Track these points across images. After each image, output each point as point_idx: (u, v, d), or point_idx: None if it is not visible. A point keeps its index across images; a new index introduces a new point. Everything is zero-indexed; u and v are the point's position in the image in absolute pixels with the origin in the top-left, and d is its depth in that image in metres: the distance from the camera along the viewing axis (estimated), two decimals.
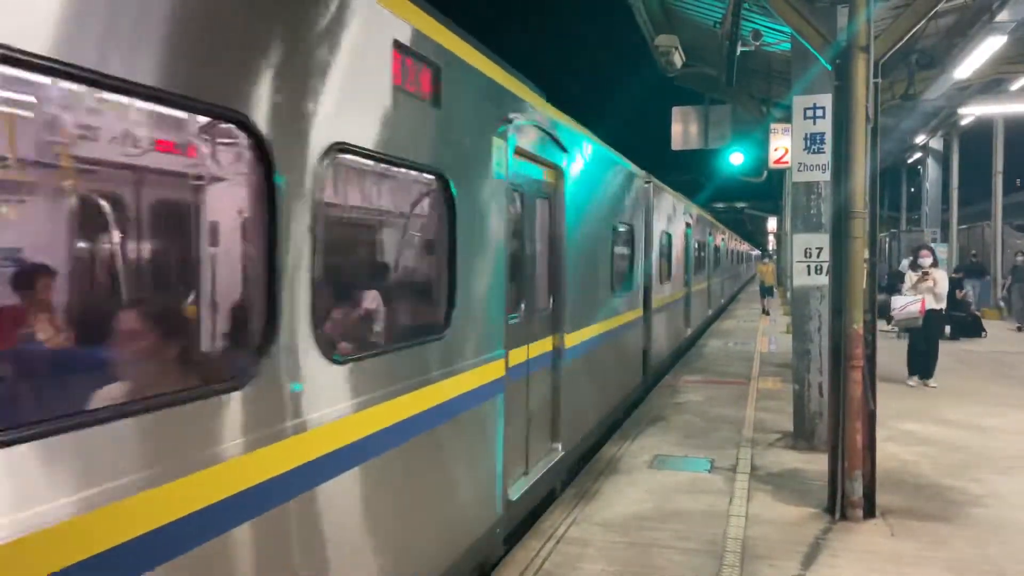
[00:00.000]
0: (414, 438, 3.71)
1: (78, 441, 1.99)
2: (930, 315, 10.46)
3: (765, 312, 24.60)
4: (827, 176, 6.70)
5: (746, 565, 4.84)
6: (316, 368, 2.93)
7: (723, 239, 26.94)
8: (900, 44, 5.84)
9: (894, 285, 18.63)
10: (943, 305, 10.77)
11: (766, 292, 25.72)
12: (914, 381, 10.85)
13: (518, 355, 5.29)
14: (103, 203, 2.41)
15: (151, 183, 2.55)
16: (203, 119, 2.54)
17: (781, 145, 13.77)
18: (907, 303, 10.40)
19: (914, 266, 10.74)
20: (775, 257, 33.36)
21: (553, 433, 6.23)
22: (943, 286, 10.52)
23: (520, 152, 5.25)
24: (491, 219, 4.65)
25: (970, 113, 18.03)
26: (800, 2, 6.11)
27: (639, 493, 6.27)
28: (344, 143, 3.11)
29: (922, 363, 10.85)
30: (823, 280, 6.87)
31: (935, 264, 10.72)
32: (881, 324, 6.65)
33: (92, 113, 2.24)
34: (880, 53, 5.70)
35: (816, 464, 6.83)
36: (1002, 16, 10.52)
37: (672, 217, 13.18)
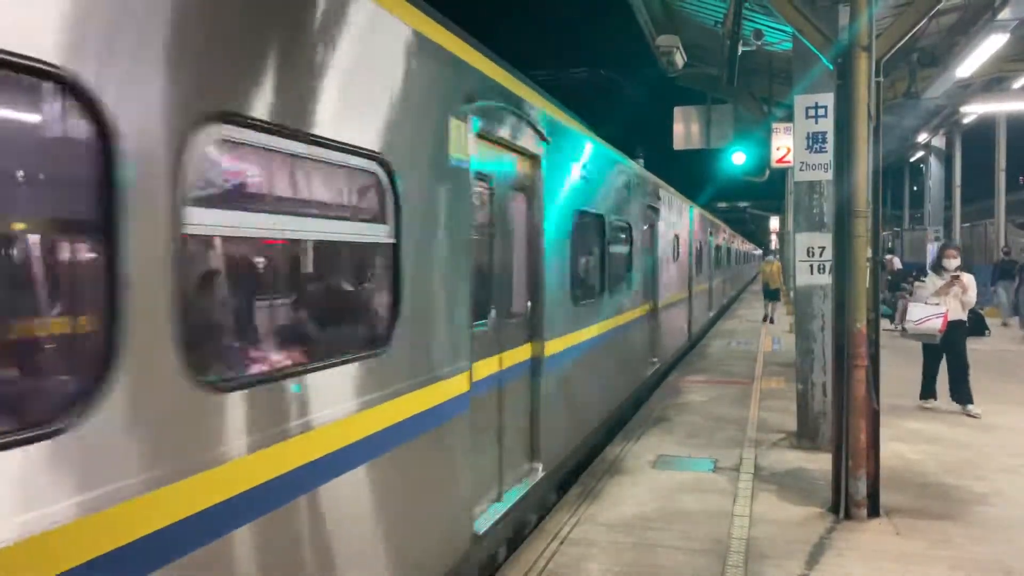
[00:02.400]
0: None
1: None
2: (954, 327, 8.84)
3: (769, 319, 21.49)
4: (829, 175, 6.69)
5: (750, 565, 4.84)
6: None
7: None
8: (902, 43, 5.84)
9: (898, 284, 18.61)
10: (965, 314, 9.21)
11: (771, 296, 22.08)
12: (930, 404, 9.40)
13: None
14: None
15: None
16: None
17: (783, 144, 13.76)
18: (926, 316, 8.72)
19: (937, 269, 9.22)
20: (779, 256, 32.08)
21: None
22: (973, 293, 9.01)
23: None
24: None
25: (972, 111, 18.01)
26: (801, 1, 6.11)
27: (643, 493, 6.27)
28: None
29: (930, 381, 9.44)
30: (826, 279, 6.87)
31: (962, 266, 9.17)
32: (884, 323, 6.63)
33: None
34: (882, 52, 5.70)
35: (820, 463, 6.82)
36: (1004, 14, 10.52)
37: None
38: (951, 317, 8.74)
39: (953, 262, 9.06)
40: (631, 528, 5.49)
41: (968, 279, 9.05)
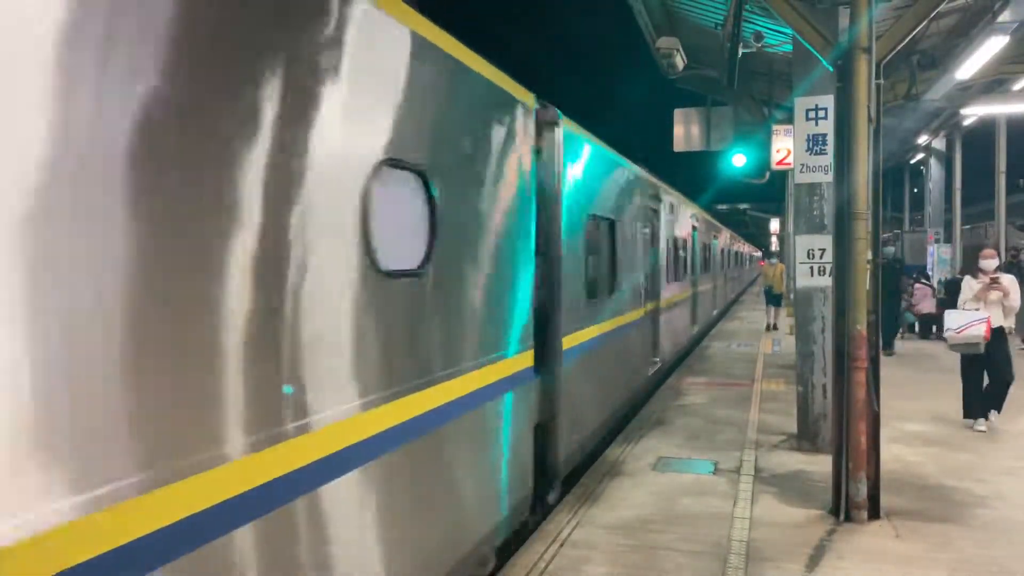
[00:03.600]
0: None
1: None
2: (996, 335, 8.03)
3: (772, 327, 20.19)
4: (829, 177, 6.70)
5: (750, 567, 4.83)
6: None
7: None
8: (902, 45, 5.84)
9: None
10: (1012, 322, 8.35)
11: (773, 301, 20.49)
12: (983, 425, 8.38)
13: None
14: None
15: None
16: None
17: (783, 146, 13.76)
18: (968, 323, 7.91)
19: (973, 271, 8.38)
20: (781, 257, 31.36)
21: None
22: (1016, 296, 8.13)
23: None
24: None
25: (972, 113, 17.99)
26: (801, 3, 6.11)
27: (643, 495, 6.26)
28: None
29: (981, 396, 8.47)
30: (826, 281, 6.87)
31: (1001, 267, 8.30)
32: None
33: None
34: (882, 54, 5.70)
35: (820, 466, 6.82)
36: (1004, 16, 10.51)
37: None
38: (993, 324, 7.98)
39: (991, 263, 8.26)
40: (631, 530, 5.48)
41: (1009, 281, 8.26)
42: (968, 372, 8.50)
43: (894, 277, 15.38)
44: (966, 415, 8.57)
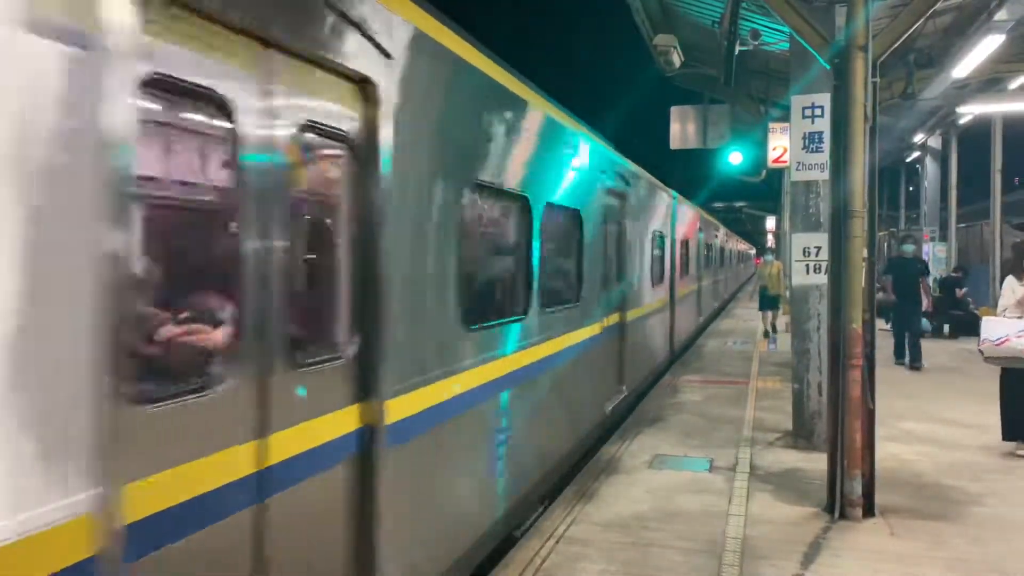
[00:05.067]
0: None
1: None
2: None
3: (769, 331, 17.52)
4: (826, 175, 6.70)
5: (746, 565, 4.84)
6: None
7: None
8: (898, 43, 5.85)
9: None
10: None
11: (769, 303, 17.73)
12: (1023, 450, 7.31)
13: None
14: None
15: None
16: None
17: (780, 144, 13.78)
18: (1011, 333, 6.82)
19: (1017, 272, 7.25)
20: (777, 254, 30.07)
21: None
22: None
23: None
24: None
25: (968, 112, 18.02)
26: (799, 2, 6.11)
27: (639, 493, 6.27)
28: None
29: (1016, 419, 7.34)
30: (822, 279, 6.87)
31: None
32: (879, 323, 6.59)
33: None
34: (878, 52, 5.71)
35: (816, 463, 6.83)
36: (1000, 15, 10.52)
37: None
38: None
39: None
40: (627, 527, 5.49)
41: None
42: (1014, 388, 7.26)
43: (914, 280, 13.04)
44: (1006, 436, 7.39)
